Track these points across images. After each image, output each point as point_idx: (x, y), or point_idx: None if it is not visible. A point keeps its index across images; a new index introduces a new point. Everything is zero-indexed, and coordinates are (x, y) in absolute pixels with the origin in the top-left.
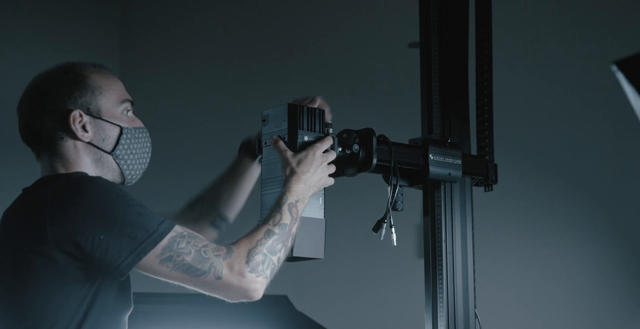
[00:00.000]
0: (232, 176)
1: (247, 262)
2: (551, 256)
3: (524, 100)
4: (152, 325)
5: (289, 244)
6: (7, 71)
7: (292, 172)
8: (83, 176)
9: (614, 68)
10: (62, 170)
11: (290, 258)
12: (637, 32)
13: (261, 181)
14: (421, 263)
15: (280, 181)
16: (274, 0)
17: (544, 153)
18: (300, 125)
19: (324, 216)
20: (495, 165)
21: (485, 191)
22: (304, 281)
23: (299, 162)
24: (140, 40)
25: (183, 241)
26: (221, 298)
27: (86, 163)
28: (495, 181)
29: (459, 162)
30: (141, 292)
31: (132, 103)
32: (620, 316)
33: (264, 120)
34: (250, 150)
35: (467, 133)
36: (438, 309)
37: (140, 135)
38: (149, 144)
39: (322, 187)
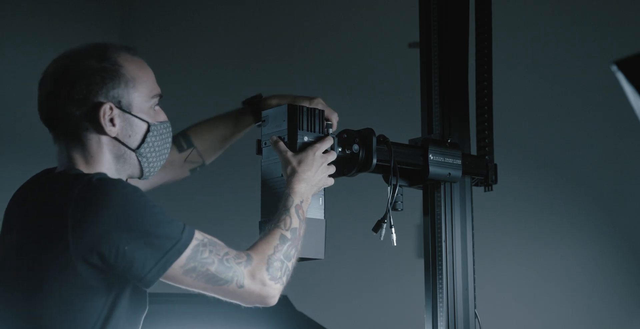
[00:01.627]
0: (228, 132)
1: (267, 269)
2: (551, 256)
3: (524, 100)
4: (153, 325)
5: (299, 247)
6: (7, 71)
7: (293, 172)
8: (105, 180)
9: (614, 68)
10: (81, 165)
11: None
12: (637, 32)
13: (261, 181)
14: (421, 263)
15: (280, 181)
16: (274, 0)
17: (544, 153)
18: (300, 126)
19: (324, 217)
20: (495, 165)
21: (485, 191)
22: (304, 281)
23: (300, 162)
24: (140, 40)
25: (205, 250)
26: (238, 303)
27: (107, 159)
28: (495, 181)
29: (459, 162)
30: None
31: (161, 97)
32: (620, 316)
33: (263, 121)
34: (255, 108)
35: (467, 133)
36: (438, 309)
37: (165, 130)
38: (170, 139)
39: (323, 187)
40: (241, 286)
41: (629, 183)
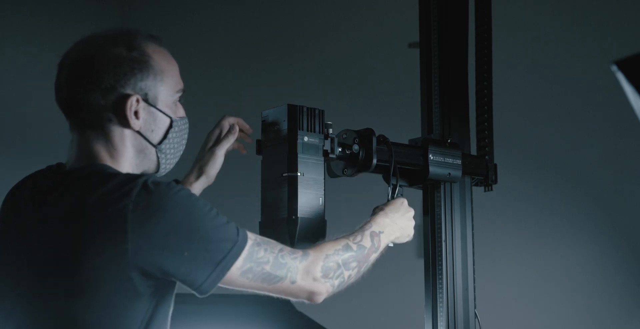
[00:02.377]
0: (204, 176)
1: (322, 266)
2: (551, 256)
3: (524, 100)
4: None
5: (363, 269)
6: (7, 71)
7: (380, 209)
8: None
9: (614, 68)
10: (106, 159)
11: None
12: (637, 32)
13: (261, 182)
14: (421, 263)
15: (280, 181)
16: (274, 0)
17: (544, 153)
18: (300, 126)
19: (324, 217)
20: (495, 165)
21: (485, 191)
22: None
23: (387, 204)
24: None
25: (260, 250)
26: (289, 298)
27: (130, 153)
28: (495, 181)
29: (459, 162)
30: None
31: (184, 91)
32: (620, 316)
33: (263, 121)
34: (216, 143)
35: (467, 133)
36: (438, 309)
37: (184, 126)
38: (186, 135)
39: (406, 237)
40: (294, 282)
41: (629, 183)
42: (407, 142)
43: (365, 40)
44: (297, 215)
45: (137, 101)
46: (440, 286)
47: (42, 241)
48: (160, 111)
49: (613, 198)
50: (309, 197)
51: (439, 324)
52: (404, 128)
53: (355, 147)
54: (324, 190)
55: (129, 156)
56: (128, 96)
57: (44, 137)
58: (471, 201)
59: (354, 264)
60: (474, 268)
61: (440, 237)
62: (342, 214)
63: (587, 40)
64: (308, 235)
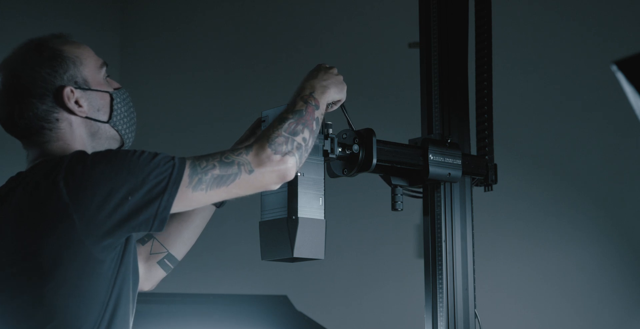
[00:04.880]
0: (180, 214)
1: (269, 146)
2: (551, 256)
3: (524, 100)
4: (152, 325)
5: (315, 128)
6: None
7: (302, 80)
8: (82, 151)
9: (614, 68)
10: (58, 153)
11: (291, 259)
12: (637, 32)
13: None
14: (421, 263)
15: None
16: (274, 0)
17: (544, 153)
18: None
19: (324, 217)
20: (495, 165)
21: (485, 191)
22: (304, 281)
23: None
24: (140, 41)
25: (202, 161)
26: (262, 190)
27: (83, 140)
28: (495, 181)
29: (459, 162)
30: (141, 292)
31: (107, 65)
32: (620, 316)
33: (263, 121)
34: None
35: (467, 133)
36: (438, 309)
37: (125, 96)
38: (131, 103)
39: (340, 91)
40: (251, 171)
41: (629, 183)
42: (407, 142)
43: (365, 40)
44: (297, 215)
45: (72, 91)
46: (440, 286)
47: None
48: (96, 90)
49: (613, 198)
50: (309, 197)
51: (439, 324)
52: (404, 128)
53: (355, 147)
54: (324, 190)
55: (80, 143)
56: (62, 89)
57: None
58: (471, 201)
59: (299, 127)
60: (474, 268)
61: (440, 237)
62: (342, 214)
63: (587, 40)
64: (308, 235)
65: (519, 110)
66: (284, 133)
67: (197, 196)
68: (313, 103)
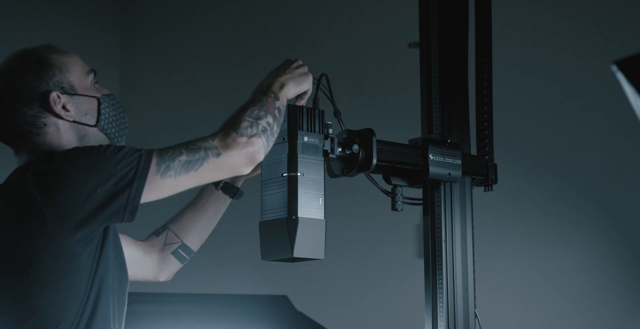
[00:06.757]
0: (194, 205)
1: (235, 131)
2: (551, 256)
3: (524, 100)
4: (152, 325)
5: (278, 115)
6: None
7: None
8: (51, 151)
9: (614, 68)
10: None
11: (291, 259)
12: (637, 32)
13: (261, 182)
14: (421, 263)
15: (280, 181)
16: (274, 1)
17: (544, 153)
18: (300, 126)
19: (324, 217)
20: (495, 165)
21: (485, 191)
22: (304, 281)
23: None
24: (140, 41)
25: (168, 150)
26: (233, 174)
27: (71, 144)
28: (495, 181)
29: (459, 162)
30: (141, 292)
31: (96, 73)
32: (620, 316)
33: None
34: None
35: (467, 133)
36: (438, 309)
37: (114, 101)
38: (122, 109)
39: (304, 81)
40: (218, 155)
41: (629, 183)
42: (407, 142)
43: (365, 40)
44: (297, 215)
45: (58, 96)
46: (440, 286)
47: None
48: (83, 95)
49: (613, 198)
50: (309, 197)
51: (439, 324)
52: (404, 128)
53: (355, 147)
54: (324, 190)
55: (69, 146)
56: (48, 93)
57: None
58: (471, 201)
59: (262, 113)
60: (474, 268)
61: (440, 237)
62: (342, 214)
63: (587, 40)
64: (308, 235)
65: (519, 110)
66: (247, 118)
67: (167, 183)
68: (272, 96)
